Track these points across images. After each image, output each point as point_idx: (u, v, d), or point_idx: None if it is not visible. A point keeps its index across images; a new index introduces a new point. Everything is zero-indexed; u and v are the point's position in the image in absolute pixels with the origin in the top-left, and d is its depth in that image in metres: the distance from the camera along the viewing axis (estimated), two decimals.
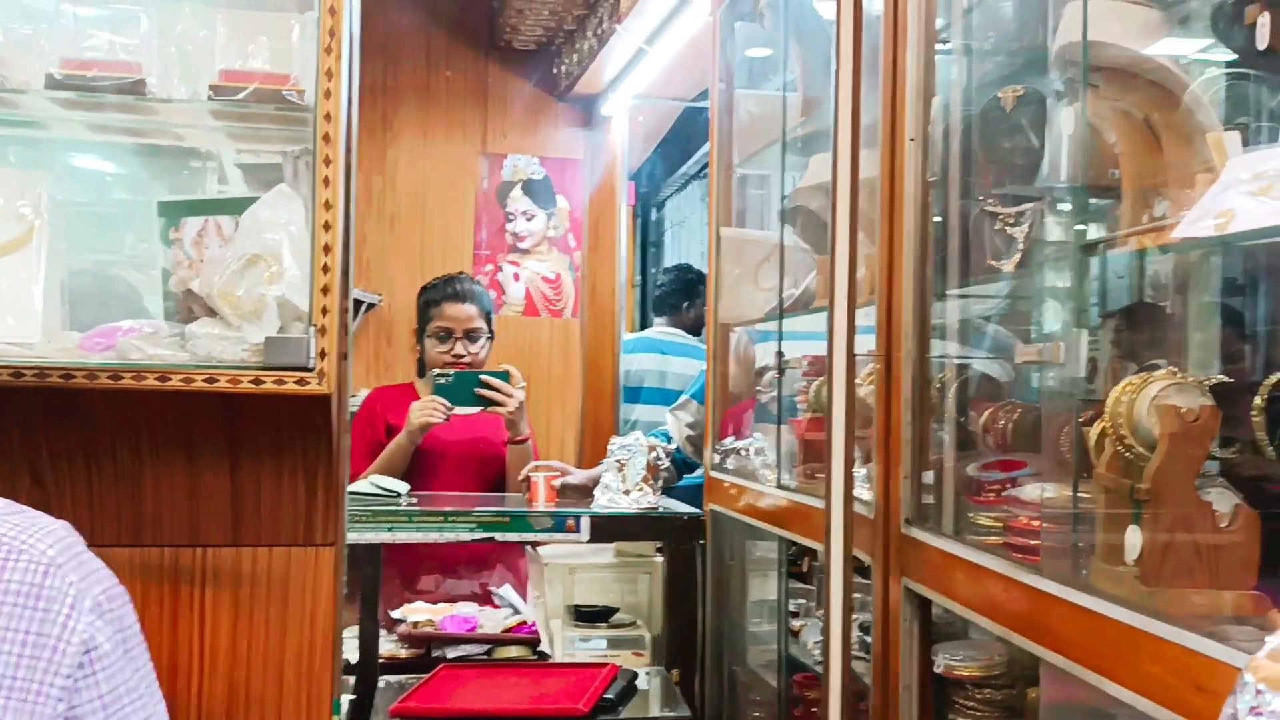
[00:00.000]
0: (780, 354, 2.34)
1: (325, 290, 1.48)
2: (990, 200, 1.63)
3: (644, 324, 6.02)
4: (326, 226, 1.48)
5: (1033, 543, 1.43)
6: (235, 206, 1.59)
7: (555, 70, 4.41)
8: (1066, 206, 1.53)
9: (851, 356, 1.73)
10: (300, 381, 1.46)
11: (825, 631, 1.73)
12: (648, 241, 7.20)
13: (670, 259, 6.77)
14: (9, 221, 1.50)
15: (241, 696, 1.60)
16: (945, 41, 1.72)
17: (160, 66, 1.51)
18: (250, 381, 1.45)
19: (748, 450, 2.68)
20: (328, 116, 1.48)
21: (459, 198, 4.53)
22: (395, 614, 2.82)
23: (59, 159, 1.67)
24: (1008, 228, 1.60)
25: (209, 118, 1.58)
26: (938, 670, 1.66)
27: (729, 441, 2.76)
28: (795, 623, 2.49)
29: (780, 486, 2.29)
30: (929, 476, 1.75)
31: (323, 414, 1.55)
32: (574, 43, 4.15)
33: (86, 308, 1.61)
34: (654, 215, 7.22)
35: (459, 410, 2.89)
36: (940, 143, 1.76)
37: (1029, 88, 1.61)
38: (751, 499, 2.49)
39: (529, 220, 4.58)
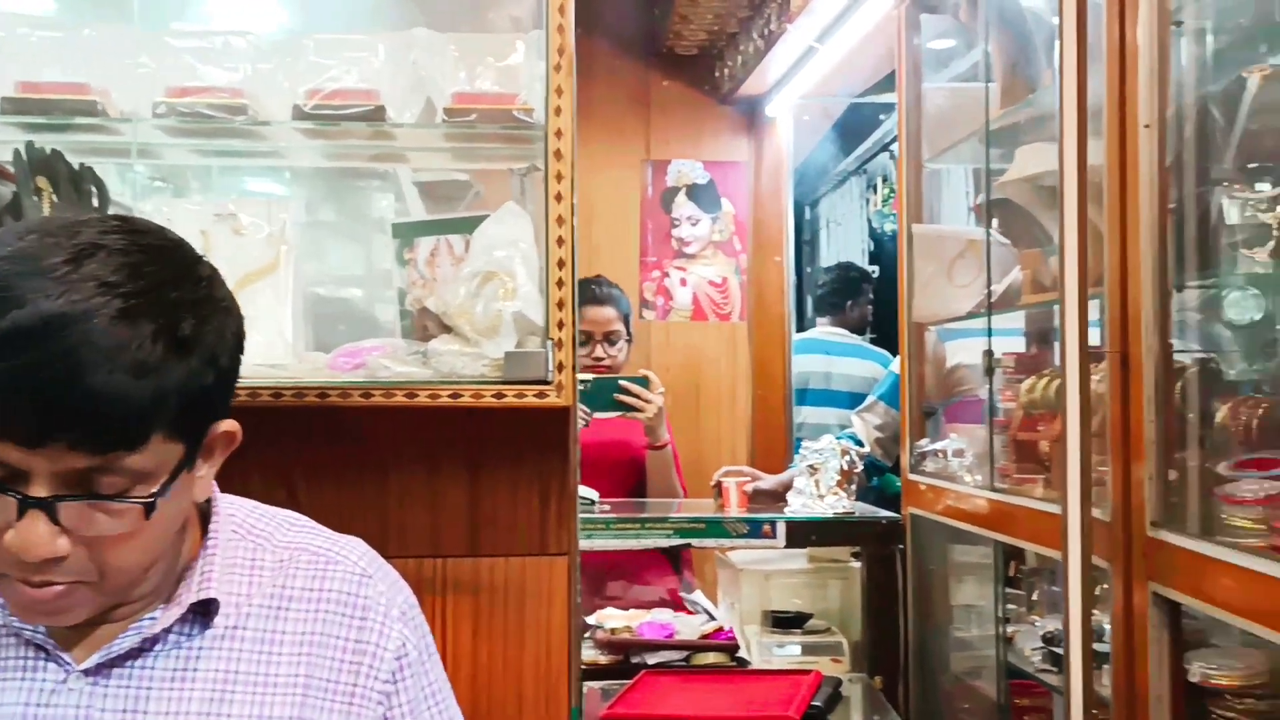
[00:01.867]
0: (989, 352, 2.28)
1: (561, 305, 1.51)
2: (1237, 186, 1.55)
3: (799, 323, 5.97)
4: (560, 241, 1.51)
5: None
6: (465, 226, 1.64)
7: (717, 74, 4.41)
8: None
9: (1085, 352, 1.67)
10: (540, 395, 1.49)
11: (1066, 640, 1.67)
12: (801, 240, 7.14)
13: (826, 258, 6.70)
14: (259, 249, 1.57)
15: (484, 703, 1.64)
16: (1179, 24, 1.65)
17: (395, 92, 1.56)
18: (493, 396, 1.49)
19: (945, 452, 2.62)
20: (559, 133, 1.51)
21: (623, 205, 4.56)
22: (589, 620, 2.85)
23: (297, 187, 1.74)
24: (1259, 214, 1.52)
25: (440, 140, 1.62)
26: (1192, 679, 1.59)
27: (925, 443, 2.71)
28: (1008, 628, 2.42)
29: (995, 489, 2.23)
30: (1173, 477, 1.68)
31: (560, 426, 1.58)
32: (738, 45, 4.14)
33: (326, 328, 1.67)
34: (808, 214, 7.15)
35: (598, 415, 2.91)
36: (1173, 128, 1.68)
37: (1278, 66, 1.52)
38: (956, 501, 2.43)
39: (694, 225, 4.58)
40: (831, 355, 4.52)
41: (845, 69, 3.83)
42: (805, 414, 4.55)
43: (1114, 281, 1.72)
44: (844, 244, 6.53)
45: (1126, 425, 1.70)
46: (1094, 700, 1.80)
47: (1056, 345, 1.90)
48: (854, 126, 5.07)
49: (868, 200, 5.89)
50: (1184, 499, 1.67)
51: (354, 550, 1.13)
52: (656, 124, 4.56)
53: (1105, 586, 1.79)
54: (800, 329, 5.06)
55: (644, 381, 2.94)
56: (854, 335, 4.63)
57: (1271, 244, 1.50)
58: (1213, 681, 1.57)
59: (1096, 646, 1.88)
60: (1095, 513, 1.75)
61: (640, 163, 4.57)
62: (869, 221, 5.92)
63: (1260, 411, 1.67)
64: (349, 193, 1.89)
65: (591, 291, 3.15)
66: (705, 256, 4.60)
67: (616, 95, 4.52)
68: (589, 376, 2.97)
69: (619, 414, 2.92)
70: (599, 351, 3.08)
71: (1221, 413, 1.72)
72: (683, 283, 4.58)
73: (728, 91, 4.37)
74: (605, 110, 4.52)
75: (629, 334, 3.17)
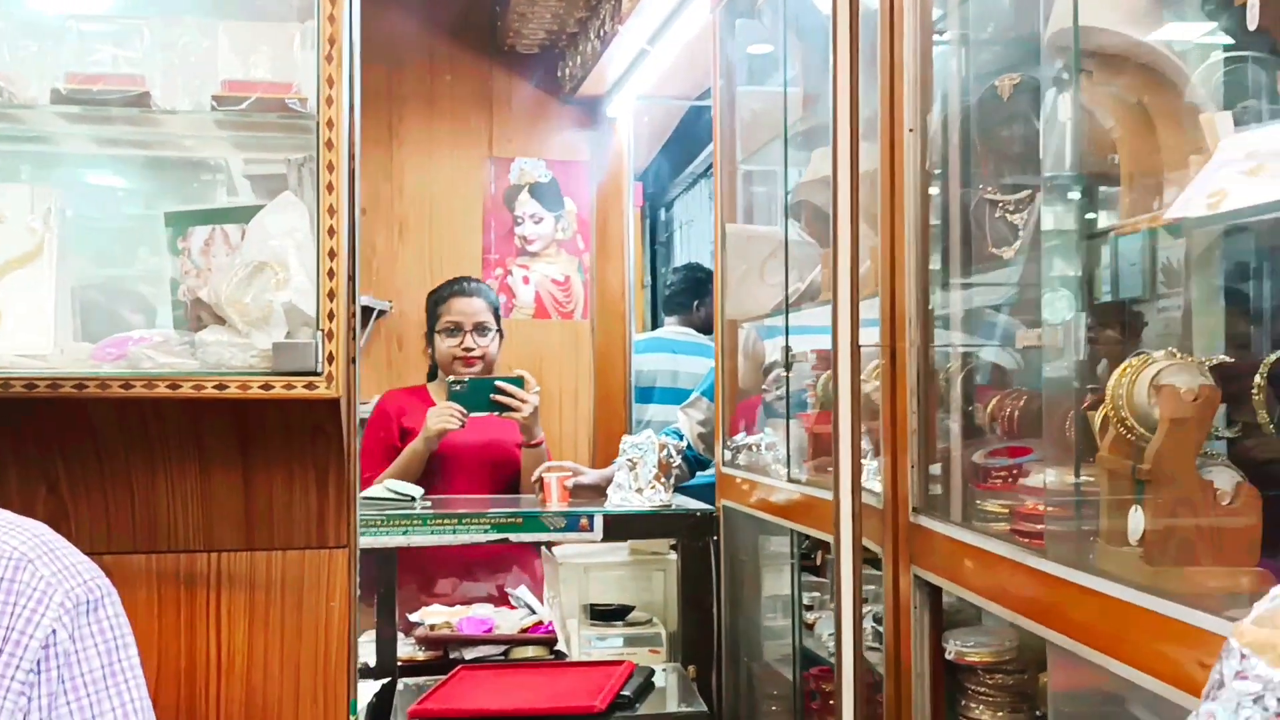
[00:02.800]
0: (787, 348, 2.35)
1: (331, 295, 1.50)
2: (990, 188, 1.64)
3: (655, 324, 6.05)
4: (331, 232, 1.50)
5: (1039, 528, 1.44)
6: (241, 215, 1.62)
7: (559, 73, 4.43)
8: (1067, 193, 1.53)
9: (856, 348, 1.74)
10: (309, 386, 1.48)
11: (837, 621, 1.74)
12: (656, 241, 7.21)
13: (680, 258, 6.78)
14: (19, 236, 1.53)
15: (259, 699, 1.62)
16: (942, 32, 1.73)
17: (164, 79, 1.53)
18: (260, 387, 1.47)
19: (758, 446, 2.69)
20: (330, 123, 1.50)
21: (467, 203, 4.55)
22: (413, 617, 2.84)
23: (66, 173, 1.70)
24: (1008, 215, 1.61)
25: (213, 128, 1.60)
26: (949, 657, 1.67)
27: (740, 438, 2.77)
28: (810, 616, 2.49)
29: (791, 480, 2.30)
30: (937, 466, 1.76)
31: (332, 417, 1.57)
32: (577, 45, 4.17)
33: (97, 319, 1.63)
34: (662, 215, 7.22)
35: (474, 415, 2.93)
36: (939, 133, 1.76)
37: (1025, 76, 1.61)
38: (763, 494, 2.50)
39: (537, 223, 4.59)
40: (677, 354, 4.58)
41: (682, 71, 3.89)
42: (653, 412, 4.60)
43: (885, 280, 1.79)
44: (696, 244, 6.63)
45: (895, 417, 1.77)
46: (873, 679, 1.87)
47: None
48: (698, 129, 5.15)
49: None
50: (948, 487, 1.75)
51: (18, 536, 1.08)
52: (500, 121, 4.56)
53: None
54: (655, 328, 5.11)
55: (519, 381, 2.96)
56: (699, 334, 4.71)
57: (1017, 244, 1.58)
58: (966, 659, 1.65)
59: (879, 628, 1.96)
60: (872, 501, 1.83)
61: (484, 160, 4.57)
62: None
63: (1021, 403, 1.77)
64: (182, 184, 1.84)
65: (460, 285, 3.19)
66: (548, 255, 4.62)
67: (460, 93, 4.51)
68: (465, 378, 2.97)
69: (495, 414, 2.93)
70: (469, 342, 3.10)
71: (990, 405, 1.81)
72: (525, 280, 4.59)
73: (569, 90, 4.40)
74: (449, 107, 4.51)
75: (499, 328, 3.18)
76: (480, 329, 3.12)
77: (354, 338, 1.59)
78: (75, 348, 1.54)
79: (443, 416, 2.94)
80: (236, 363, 1.49)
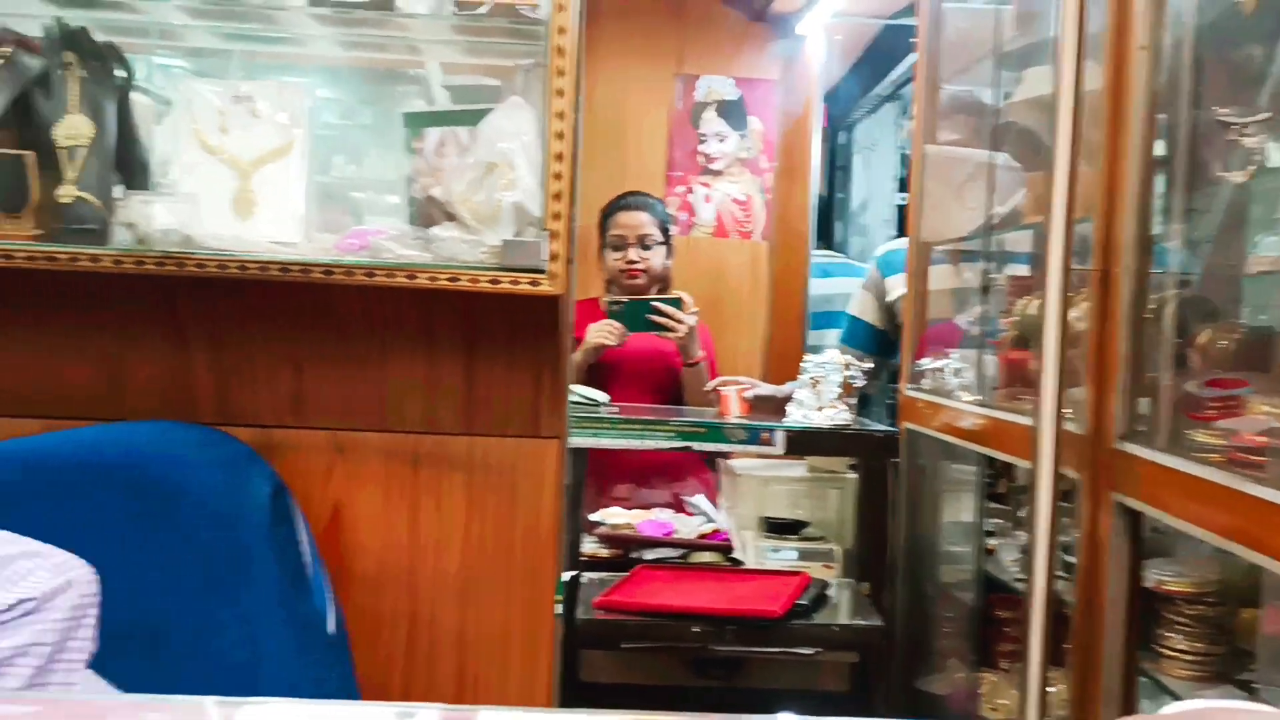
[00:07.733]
0: (986, 273, 2.33)
1: (557, 196, 1.57)
2: (1224, 110, 1.58)
3: (829, 246, 6.02)
4: (559, 136, 1.57)
5: (1256, 458, 1.42)
6: (472, 118, 1.69)
7: None
8: None
9: (1067, 271, 1.72)
10: (534, 282, 1.56)
11: (1030, 543, 1.74)
12: (835, 165, 7.10)
13: (859, 183, 6.67)
14: (273, 131, 1.64)
15: (475, 573, 1.74)
16: None
17: None
18: (488, 281, 1.56)
19: (945, 370, 2.68)
20: (561, 29, 1.56)
21: (653, 119, 4.58)
22: (593, 517, 2.96)
23: (312, 74, 1.81)
24: (1241, 138, 1.55)
25: (449, 33, 1.68)
26: (1147, 585, 1.66)
27: (925, 362, 2.76)
28: (991, 542, 2.50)
29: (982, 405, 2.29)
30: (1145, 400, 1.73)
31: (552, 313, 1.65)
32: None
33: (337, 212, 1.75)
34: (843, 138, 7.09)
35: (632, 333, 3.01)
36: (1170, 52, 1.70)
37: None
38: (949, 418, 2.49)
39: (721, 142, 4.59)
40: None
41: None
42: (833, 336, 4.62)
43: (1102, 202, 1.75)
44: (877, 169, 6.50)
45: (1103, 343, 1.75)
46: (1056, 602, 1.88)
47: None
48: (888, 50, 5.02)
49: (901, 126, 5.85)
50: (1156, 415, 1.73)
51: None
52: (690, 39, 4.56)
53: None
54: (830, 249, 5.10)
55: (677, 302, 3.03)
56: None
57: (1252, 167, 1.53)
58: (1166, 588, 1.64)
59: (1069, 558, 1.95)
60: (1072, 427, 1.81)
61: (672, 77, 4.58)
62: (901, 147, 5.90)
63: (1237, 335, 1.72)
64: (384, 95, 1.95)
65: (625, 199, 3.25)
66: (731, 173, 4.62)
67: (652, 9, 4.53)
68: (624, 298, 3.05)
69: (653, 333, 3.01)
70: (633, 255, 3.17)
71: (1203, 335, 1.76)
72: (707, 199, 4.61)
73: (761, 7, 4.36)
74: (640, 24, 4.53)
75: (668, 241, 3.24)
76: (644, 242, 3.17)
77: (573, 240, 1.66)
78: (320, 238, 1.66)
79: (601, 332, 3.03)
80: (467, 257, 1.58)
